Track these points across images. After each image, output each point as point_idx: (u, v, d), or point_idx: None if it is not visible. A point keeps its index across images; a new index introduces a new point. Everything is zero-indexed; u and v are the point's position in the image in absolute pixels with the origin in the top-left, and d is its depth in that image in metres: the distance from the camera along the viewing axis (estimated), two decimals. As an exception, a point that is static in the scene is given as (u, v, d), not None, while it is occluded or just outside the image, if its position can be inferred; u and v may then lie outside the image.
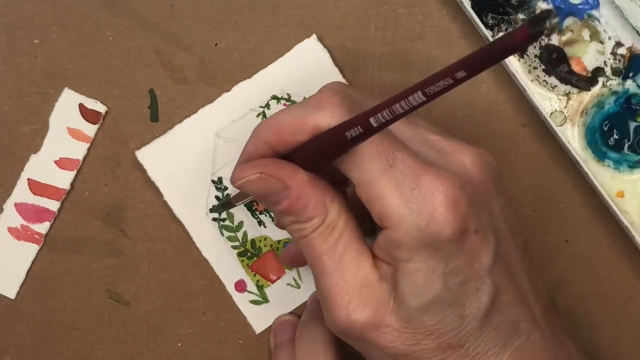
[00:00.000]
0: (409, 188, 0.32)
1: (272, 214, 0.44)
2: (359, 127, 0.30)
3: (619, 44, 0.43)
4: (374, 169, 0.32)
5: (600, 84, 0.43)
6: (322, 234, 0.34)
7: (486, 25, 0.43)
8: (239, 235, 0.44)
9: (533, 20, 0.22)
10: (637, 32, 0.43)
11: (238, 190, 0.39)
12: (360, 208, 0.34)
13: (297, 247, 0.38)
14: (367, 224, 0.35)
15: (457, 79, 0.25)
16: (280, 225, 0.38)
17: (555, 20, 0.21)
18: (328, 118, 0.33)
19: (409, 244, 0.32)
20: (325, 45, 0.44)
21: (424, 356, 0.33)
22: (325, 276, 0.34)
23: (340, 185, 0.37)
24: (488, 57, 0.24)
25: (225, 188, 0.44)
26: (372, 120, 0.29)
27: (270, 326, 0.44)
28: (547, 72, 0.43)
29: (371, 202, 0.33)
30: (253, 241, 0.44)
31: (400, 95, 0.27)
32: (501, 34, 0.43)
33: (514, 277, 0.34)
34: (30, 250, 0.44)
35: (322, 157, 0.33)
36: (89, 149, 0.44)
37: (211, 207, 0.44)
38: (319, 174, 0.35)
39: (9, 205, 0.44)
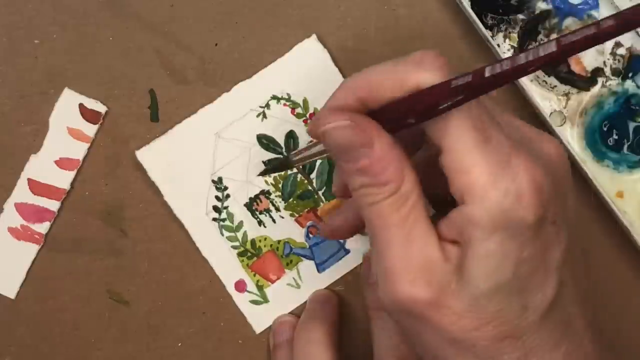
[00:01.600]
0: (500, 167, 0.30)
1: (272, 214, 0.44)
2: (469, 76, 0.28)
3: (618, 45, 0.43)
4: (468, 141, 0.31)
5: (599, 84, 0.43)
6: (395, 203, 0.32)
7: (486, 26, 0.43)
8: (239, 235, 0.44)
9: None
10: (637, 32, 0.43)
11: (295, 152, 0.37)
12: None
13: (344, 219, 0.37)
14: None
15: (602, 27, 0.23)
16: (341, 190, 0.37)
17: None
18: (430, 79, 0.31)
19: (488, 223, 0.31)
20: (325, 45, 0.44)
21: (480, 344, 0.32)
22: (391, 248, 0.32)
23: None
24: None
25: (226, 188, 0.44)
26: (487, 70, 0.27)
27: (270, 326, 0.44)
28: (547, 72, 0.43)
29: (456, 174, 0.31)
30: (253, 241, 0.44)
31: (524, 50, 0.26)
32: (500, 34, 0.43)
33: (576, 276, 0.33)
34: (30, 250, 0.44)
35: (419, 115, 0.31)
36: (89, 149, 0.44)
37: (265, 166, 0.43)
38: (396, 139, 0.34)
39: (9, 205, 0.44)
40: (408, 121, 0.32)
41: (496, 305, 0.32)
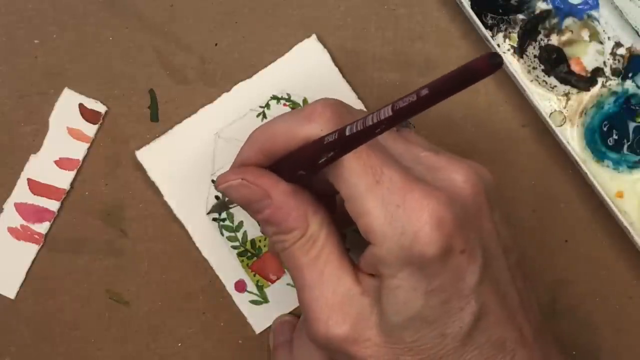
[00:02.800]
0: (394, 206, 0.31)
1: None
2: (335, 134, 0.31)
3: (618, 45, 0.43)
4: (361, 185, 0.32)
5: (599, 84, 0.43)
6: (303, 247, 0.34)
7: (485, 26, 0.43)
8: (239, 235, 0.44)
9: (493, 53, 0.24)
10: (637, 32, 0.43)
11: None
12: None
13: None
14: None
15: (420, 96, 0.25)
16: (265, 234, 0.38)
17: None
18: (318, 130, 0.33)
19: (392, 261, 0.32)
20: (325, 45, 0.44)
21: None
22: (305, 290, 0.34)
23: (331, 197, 0.37)
24: (450, 81, 0.25)
25: (226, 188, 0.44)
26: (347, 128, 0.30)
27: (270, 326, 0.44)
28: (547, 72, 0.43)
29: (357, 218, 0.33)
30: (253, 241, 0.44)
31: (375, 110, 0.28)
32: (500, 34, 0.43)
33: (503, 295, 0.34)
34: (30, 250, 0.44)
35: (305, 167, 0.34)
36: (88, 149, 0.44)
37: (210, 209, 0.44)
38: (308, 185, 0.35)
39: (9, 205, 0.44)
40: (299, 173, 0.34)
41: (411, 336, 0.33)
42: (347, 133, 0.30)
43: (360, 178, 0.32)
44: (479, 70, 0.23)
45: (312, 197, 0.35)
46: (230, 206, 0.42)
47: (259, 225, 0.37)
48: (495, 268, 0.34)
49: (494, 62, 0.23)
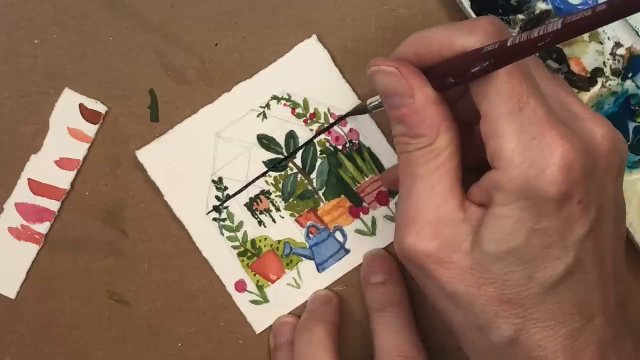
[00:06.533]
0: (530, 137, 0.31)
1: (272, 214, 0.44)
2: (496, 44, 0.30)
3: (618, 45, 0.43)
4: (503, 106, 0.32)
5: (599, 85, 0.43)
6: (424, 156, 0.34)
7: (486, 26, 0.43)
8: (239, 235, 0.44)
9: None
10: (637, 32, 0.43)
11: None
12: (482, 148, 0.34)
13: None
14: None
15: (597, 11, 0.25)
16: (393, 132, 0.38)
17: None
18: (477, 43, 0.32)
19: (511, 189, 0.32)
20: (325, 45, 0.44)
21: (479, 302, 0.33)
22: (410, 197, 0.34)
23: (469, 126, 0.37)
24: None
25: (226, 188, 0.44)
26: (510, 40, 0.29)
27: (270, 326, 0.44)
28: (547, 72, 0.43)
29: (489, 138, 0.32)
30: (253, 241, 0.44)
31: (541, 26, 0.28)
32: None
33: (601, 259, 0.34)
34: (30, 250, 0.44)
35: (456, 74, 0.33)
36: (89, 149, 0.44)
37: (350, 110, 0.43)
38: (452, 107, 0.35)
39: (9, 205, 0.44)
40: (449, 80, 0.33)
41: (501, 268, 0.32)
42: (509, 44, 0.29)
43: (505, 99, 0.32)
44: None
45: (451, 115, 0.35)
46: (370, 105, 0.41)
47: (391, 123, 0.36)
48: (602, 231, 0.34)
49: None
